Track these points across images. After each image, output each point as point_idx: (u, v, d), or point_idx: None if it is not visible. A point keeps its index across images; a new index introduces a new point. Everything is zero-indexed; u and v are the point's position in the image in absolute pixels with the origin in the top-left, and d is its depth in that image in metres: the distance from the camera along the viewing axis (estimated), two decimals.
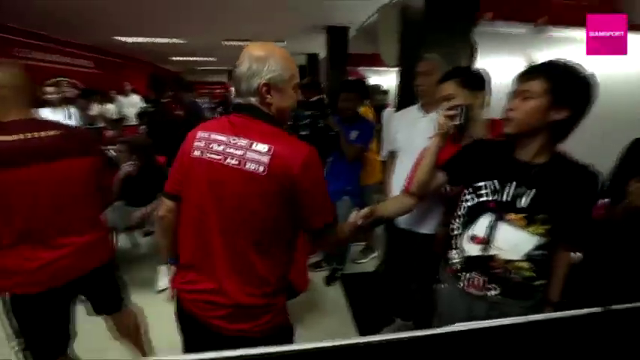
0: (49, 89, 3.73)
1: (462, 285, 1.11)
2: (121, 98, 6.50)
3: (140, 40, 6.40)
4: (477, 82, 1.35)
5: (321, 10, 4.24)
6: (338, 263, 2.82)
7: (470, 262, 1.09)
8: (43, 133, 1.21)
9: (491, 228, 1.04)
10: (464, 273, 1.11)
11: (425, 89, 1.66)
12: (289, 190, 0.89)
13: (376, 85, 5.06)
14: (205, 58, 9.68)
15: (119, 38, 6.31)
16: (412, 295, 1.88)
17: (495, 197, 1.04)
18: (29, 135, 1.18)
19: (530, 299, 1.05)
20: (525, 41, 2.23)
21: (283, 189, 0.88)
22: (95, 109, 5.58)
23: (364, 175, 2.61)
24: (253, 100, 0.93)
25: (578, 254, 1.31)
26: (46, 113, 3.49)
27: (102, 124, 5.06)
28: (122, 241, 3.04)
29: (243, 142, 0.90)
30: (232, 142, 0.91)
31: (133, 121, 5.77)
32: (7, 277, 1.22)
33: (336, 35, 5.22)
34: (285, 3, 3.81)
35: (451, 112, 1.13)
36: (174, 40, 6.45)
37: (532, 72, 0.98)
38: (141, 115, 4.23)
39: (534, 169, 1.01)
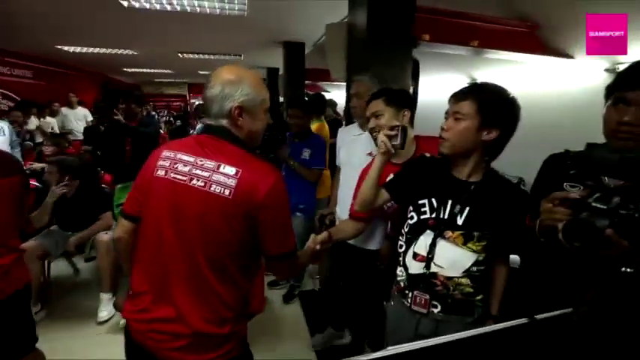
0: None
1: (408, 303, 1.11)
2: (65, 111, 6.02)
3: (86, 50, 6.02)
4: (402, 100, 1.44)
5: (276, 26, 4.28)
6: (295, 280, 2.76)
7: (413, 280, 1.10)
8: None
9: (432, 246, 1.06)
10: (409, 291, 1.11)
11: (357, 110, 1.78)
12: (253, 215, 0.87)
13: (331, 99, 5.16)
14: (162, 70, 9.35)
15: (62, 47, 5.88)
16: (350, 308, 1.96)
17: (435, 215, 1.06)
18: None
19: (472, 315, 1.07)
20: (465, 61, 2.38)
21: (247, 214, 0.87)
22: (33, 122, 5.14)
23: (317, 190, 2.61)
24: (224, 122, 0.92)
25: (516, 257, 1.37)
26: None
27: (41, 139, 4.66)
28: (61, 267, 2.78)
29: (211, 163, 0.88)
30: (199, 163, 0.89)
31: (81, 136, 5.38)
32: None
33: (293, 50, 5.27)
34: (241, 18, 3.79)
35: (391, 132, 1.15)
36: (127, 52, 6.15)
37: (463, 94, 1.02)
38: (85, 130, 3.95)
39: (469, 187, 1.05)
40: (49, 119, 5.66)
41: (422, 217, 1.09)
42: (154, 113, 8.86)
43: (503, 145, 1.05)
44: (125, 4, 3.31)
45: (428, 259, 1.06)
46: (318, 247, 1.17)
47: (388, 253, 1.75)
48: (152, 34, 4.77)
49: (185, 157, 0.91)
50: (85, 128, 4.01)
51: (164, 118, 8.88)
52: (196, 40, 5.16)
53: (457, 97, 1.03)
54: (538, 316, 0.82)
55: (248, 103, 0.92)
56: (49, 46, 5.80)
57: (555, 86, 2.83)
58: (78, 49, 6.04)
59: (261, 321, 2.44)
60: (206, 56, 6.49)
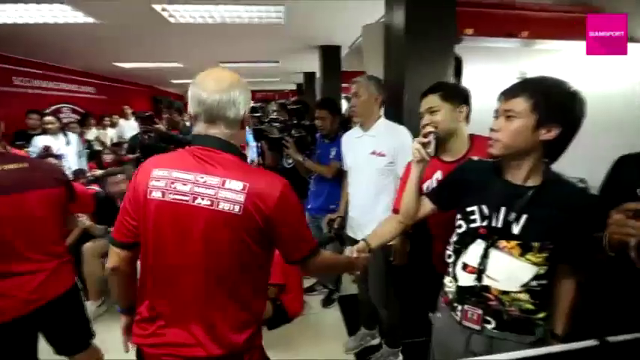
0: (48, 118, 3.79)
1: (458, 317, 1.03)
2: (121, 122, 6.57)
3: (139, 65, 6.53)
4: (460, 96, 1.35)
5: (313, 31, 4.31)
6: (333, 285, 2.74)
7: (463, 292, 1.02)
8: (7, 167, 1.23)
9: (484, 256, 0.97)
10: (458, 304, 1.04)
11: (356, 110, 1.79)
12: (264, 227, 0.85)
13: None
14: None
15: (119, 64, 6.44)
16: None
17: (486, 223, 0.98)
18: None
19: (532, 334, 0.97)
20: (513, 54, 2.22)
21: (259, 227, 0.84)
22: (92, 133, 5.65)
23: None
24: (229, 131, 0.88)
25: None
26: (47, 140, 3.56)
27: (99, 148, 5.10)
28: None
29: (214, 180, 0.83)
30: (201, 180, 0.84)
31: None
32: None
33: (329, 54, 5.29)
34: (279, 26, 3.87)
35: (424, 140, 1.10)
36: (173, 65, 6.57)
37: (514, 90, 0.93)
38: (130, 140, 4.24)
39: (526, 192, 0.95)
40: (108, 130, 6.19)
41: (471, 225, 1.01)
42: None
43: (565, 145, 0.93)
44: (172, 20, 3.52)
45: (479, 271, 0.98)
46: (354, 254, 1.14)
47: (403, 251, 1.72)
48: (196, 47, 5.04)
49: (182, 175, 0.85)
50: (130, 138, 4.32)
51: None
52: (236, 50, 5.36)
53: (508, 94, 0.93)
54: (610, 339, 0.72)
55: (247, 110, 0.91)
56: (108, 64, 6.38)
57: (618, 75, 2.52)
58: (132, 65, 6.57)
59: (300, 324, 2.46)
60: (244, 64, 6.72)
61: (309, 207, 2.58)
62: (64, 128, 3.94)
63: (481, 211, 0.99)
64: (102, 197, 2.54)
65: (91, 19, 3.39)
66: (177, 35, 4.20)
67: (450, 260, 1.09)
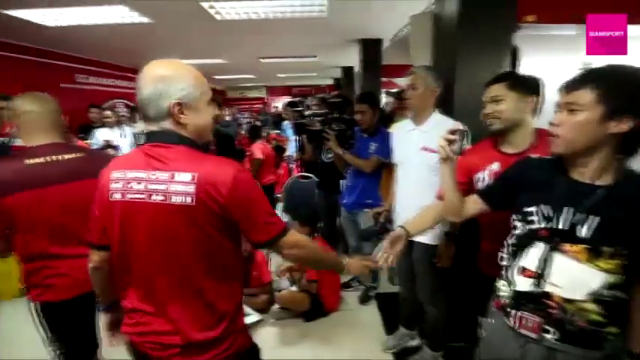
0: (106, 112, 4.13)
1: (512, 323, 0.97)
2: None
3: (185, 62, 6.81)
4: (529, 85, 1.27)
5: (355, 23, 4.25)
6: (372, 282, 2.71)
7: (520, 298, 0.96)
8: (66, 156, 1.31)
9: (544, 260, 0.90)
10: (512, 309, 0.98)
11: (412, 102, 1.72)
12: (222, 215, 0.84)
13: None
14: (244, 76, 10.11)
15: None
16: (419, 306, 1.91)
17: (548, 225, 0.90)
18: (53, 158, 1.28)
19: (599, 349, 0.88)
20: (577, 42, 2.03)
21: (216, 215, 0.84)
22: (138, 126, 6.03)
23: (387, 188, 2.50)
24: (166, 124, 0.86)
25: None
26: (105, 132, 3.88)
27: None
28: None
29: (164, 175, 0.84)
30: (152, 177, 0.85)
31: None
32: (35, 286, 1.31)
33: (370, 47, 5.18)
34: (321, 20, 3.85)
35: (451, 137, 1.04)
36: (216, 61, 6.80)
37: (578, 81, 0.84)
38: None
39: (597, 192, 0.86)
40: None
41: (530, 226, 0.94)
42: (239, 115, 9.66)
43: None
44: (218, 17, 3.63)
45: (538, 275, 0.91)
46: (389, 242, 1.16)
47: (449, 253, 1.66)
48: (238, 43, 5.17)
49: (136, 174, 0.86)
50: None
51: (246, 120, 9.61)
52: (276, 45, 5.42)
53: (570, 87, 0.85)
54: None
55: (187, 97, 0.85)
56: None
57: None
58: None
59: (336, 319, 2.47)
60: (283, 59, 6.80)
61: (343, 201, 2.57)
62: (119, 122, 4.25)
63: (542, 212, 0.92)
64: None
65: (145, 19, 3.59)
66: (221, 32, 4.33)
67: (505, 263, 1.03)
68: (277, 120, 7.64)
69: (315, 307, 2.43)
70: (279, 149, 5.44)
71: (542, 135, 1.25)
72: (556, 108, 0.90)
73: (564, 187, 0.90)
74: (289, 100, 7.46)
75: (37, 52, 4.87)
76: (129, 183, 0.87)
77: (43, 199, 1.25)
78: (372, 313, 2.54)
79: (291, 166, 5.49)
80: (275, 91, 14.04)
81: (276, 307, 2.52)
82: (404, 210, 1.81)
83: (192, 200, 0.82)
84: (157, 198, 0.84)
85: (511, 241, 1.01)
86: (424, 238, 1.67)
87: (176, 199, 0.82)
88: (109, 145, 3.62)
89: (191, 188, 0.82)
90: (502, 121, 1.28)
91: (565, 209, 0.88)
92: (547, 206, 0.91)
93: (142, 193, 0.85)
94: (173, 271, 0.88)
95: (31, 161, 1.25)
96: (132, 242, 0.89)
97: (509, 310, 0.98)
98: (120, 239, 0.90)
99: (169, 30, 4.14)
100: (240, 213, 0.86)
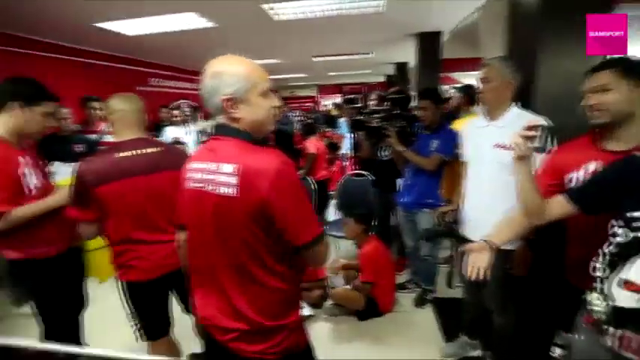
0: (175, 112, 4.49)
1: (609, 343, 0.86)
2: None
3: None
4: None
5: (413, 17, 4.10)
6: (427, 284, 2.60)
7: (621, 315, 0.84)
8: (148, 150, 1.45)
9: None
10: (609, 326, 0.87)
11: (486, 96, 1.61)
12: (262, 210, 0.83)
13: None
14: (296, 75, 10.33)
15: None
16: (485, 315, 1.77)
17: None
18: (139, 151, 1.43)
19: None
20: None
21: (256, 210, 0.83)
22: (199, 125, 6.46)
23: (448, 188, 2.34)
24: (222, 118, 0.90)
25: None
26: (173, 130, 4.22)
27: (205, 138, 5.79)
28: None
29: (213, 166, 0.88)
30: (207, 168, 0.90)
31: None
32: (120, 267, 1.47)
33: (428, 41, 4.96)
34: (377, 15, 3.78)
35: (529, 133, 0.95)
36: (271, 61, 7.03)
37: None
38: None
39: None
40: (210, 122, 7.02)
41: (637, 234, 0.83)
42: (289, 114, 9.89)
43: None
44: (275, 18, 3.75)
45: None
46: (470, 253, 1.08)
47: (525, 260, 1.52)
48: (293, 42, 5.29)
49: (198, 165, 0.93)
50: None
51: (297, 118, 9.80)
52: (330, 43, 5.45)
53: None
54: None
55: (238, 92, 0.86)
56: None
57: None
58: None
59: (390, 320, 2.41)
60: (337, 57, 6.81)
61: (401, 200, 2.49)
62: (184, 120, 4.59)
63: None
64: None
65: (211, 24, 3.82)
66: (277, 33, 4.46)
67: (599, 274, 0.91)
68: (328, 118, 7.68)
69: (369, 307, 2.41)
70: (333, 146, 5.45)
71: None
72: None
73: None
74: (346, 97, 7.41)
75: (119, 60, 5.49)
76: (193, 173, 0.94)
77: (130, 189, 1.39)
78: (426, 317, 2.44)
79: (344, 163, 5.48)
80: (325, 89, 14.13)
81: (329, 302, 2.53)
82: (472, 210, 1.71)
83: (235, 192, 0.83)
84: (209, 188, 0.88)
85: (609, 249, 0.90)
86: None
87: (223, 190, 0.85)
88: (177, 141, 3.92)
89: (234, 179, 0.83)
90: (609, 114, 1.08)
91: None
92: None
93: (201, 183, 0.91)
94: (228, 258, 0.91)
95: (121, 154, 1.40)
96: (198, 227, 0.95)
97: (605, 327, 0.88)
98: (191, 223, 0.99)
99: (230, 32, 4.37)
100: (278, 211, 0.83)
